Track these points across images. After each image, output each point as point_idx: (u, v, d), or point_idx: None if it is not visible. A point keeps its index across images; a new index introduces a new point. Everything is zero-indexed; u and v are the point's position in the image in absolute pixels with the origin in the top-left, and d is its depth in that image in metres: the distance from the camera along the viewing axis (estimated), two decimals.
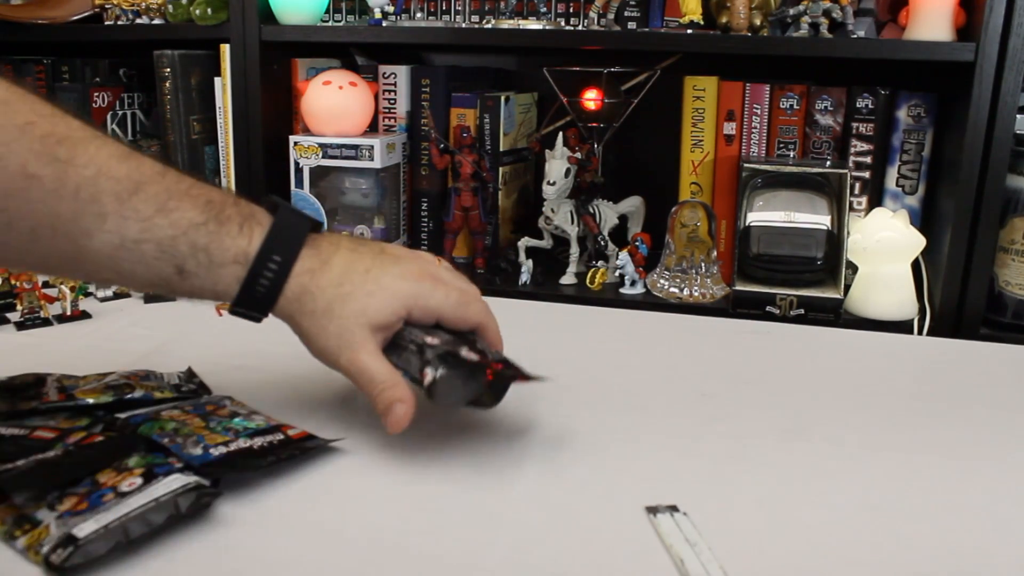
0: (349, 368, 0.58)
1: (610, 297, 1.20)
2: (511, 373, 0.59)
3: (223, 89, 1.31)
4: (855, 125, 1.19)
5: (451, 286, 0.61)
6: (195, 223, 0.55)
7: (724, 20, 1.15)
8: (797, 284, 1.13)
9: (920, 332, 1.08)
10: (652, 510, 0.53)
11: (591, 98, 1.22)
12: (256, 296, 0.57)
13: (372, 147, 1.24)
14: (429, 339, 0.59)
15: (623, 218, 1.29)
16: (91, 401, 0.62)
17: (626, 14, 1.24)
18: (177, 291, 0.57)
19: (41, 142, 0.51)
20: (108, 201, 0.52)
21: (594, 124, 1.24)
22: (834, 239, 1.13)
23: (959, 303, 1.08)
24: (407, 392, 0.58)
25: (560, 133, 1.22)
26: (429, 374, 0.57)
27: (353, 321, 0.58)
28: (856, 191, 1.21)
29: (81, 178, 0.52)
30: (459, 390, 0.58)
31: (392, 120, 1.35)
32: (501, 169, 1.31)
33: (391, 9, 1.28)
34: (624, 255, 1.20)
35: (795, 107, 1.21)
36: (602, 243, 1.24)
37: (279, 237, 0.57)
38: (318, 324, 0.58)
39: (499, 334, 0.64)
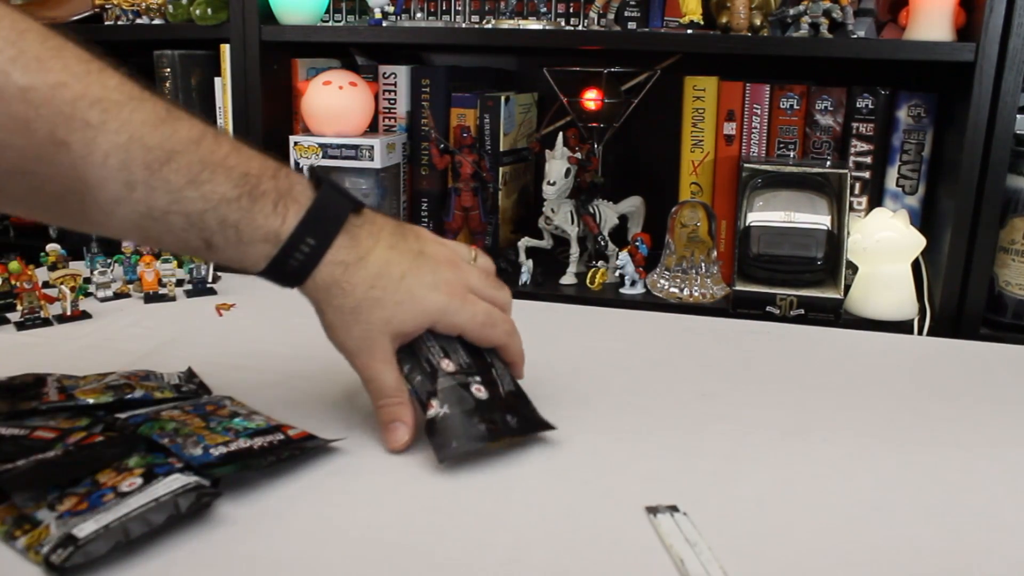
0: (362, 371, 0.59)
1: (610, 297, 1.20)
2: (515, 429, 0.60)
3: (223, 89, 1.31)
4: (855, 125, 1.19)
5: (479, 306, 0.61)
6: (227, 198, 0.53)
7: (724, 20, 1.15)
8: (797, 284, 1.13)
9: (920, 332, 1.08)
10: (652, 510, 0.53)
11: (591, 98, 1.22)
12: (284, 273, 0.56)
13: (372, 147, 1.24)
14: (444, 363, 0.60)
15: (623, 218, 1.29)
16: (91, 401, 0.62)
17: (626, 14, 1.24)
18: (206, 259, 0.58)
19: (72, 105, 0.49)
20: (138, 170, 0.51)
21: (594, 124, 1.24)
22: (834, 239, 1.13)
23: (959, 303, 1.08)
24: (410, 414, 0.60)
25: (560, 133, 1.22)
26: (435, 407, 0.58)
27: (377, 329, 0.58)
28: (856, 191, 1.21)
29: (111, 145, 0.50)
30: (460, 438, 0.58)
31: (392, 120, 1.35)
32: (501, 169, 1.31)
33: (391, 9, 1.28)
34: (624, 255, 1.20)
35: (795, 107, 1.21)
36: (602, 243, 1.24)
37: (316, 219, 0.56)
38: (343, 320, 0.58)
39: (521, 353, 0.65)
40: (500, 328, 0.63)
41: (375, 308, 0.58)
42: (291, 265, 0.56)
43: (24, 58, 0.47)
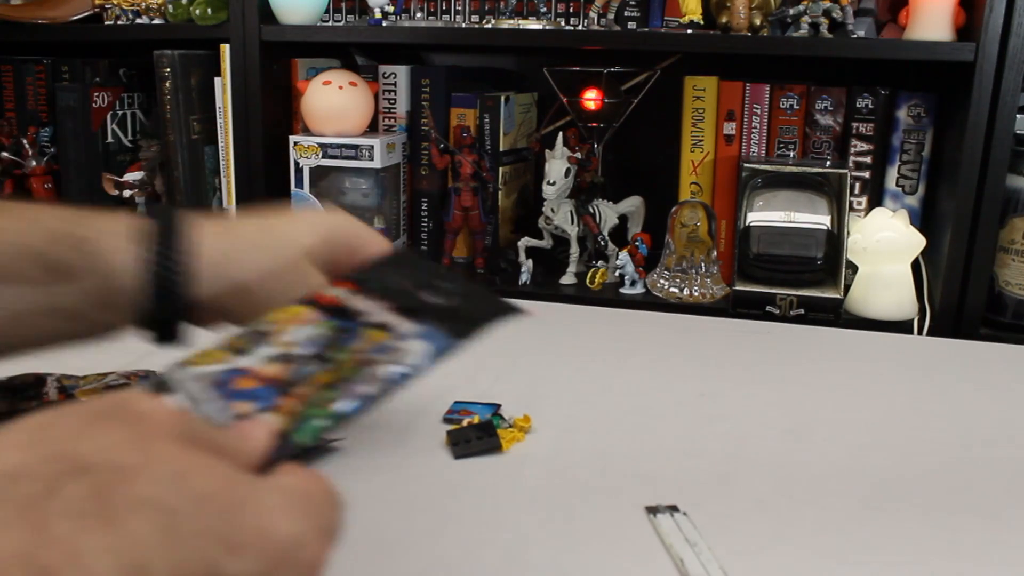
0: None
1: (610, 297, 1.20)
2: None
3: (223, 89, 1.31)
4: (855, 125, 1.19)
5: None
6: (65, 218, 0.46)
7: (724, 20, 1.15)
8: (797, 284, 1.13)
9: (920, 332, 1.08)
10: (652, 510, 0.53)
11: (591, 98, 1.22)
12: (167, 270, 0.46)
13: (372, 147, 1.24)
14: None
15: (623, 218, 1.29)
16: None
17: (626, 14, 1.24)
18: (65, 304, 0.46)
19: None
20: None
21: (594, 124, 1.24)
22: (834, 239, 1.13)
23: (959, 303, 1.08)
24: None
25: (560, 133, 1.22)
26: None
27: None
28: (856, 191, 1.21)
29: None
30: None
31: (392, 120, 1.35)
32: (501, 169, 1.31)
33: (391, 9, 1.28)
34: (624, 255, 1.20)
35: (795, 107, 1.21)
36: (602, 243, 1.24)
37: (157, 210, 0.48)
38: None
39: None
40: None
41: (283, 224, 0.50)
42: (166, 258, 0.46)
43: None
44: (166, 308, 0.47)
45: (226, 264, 0.48)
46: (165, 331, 0.49)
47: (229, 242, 0.48)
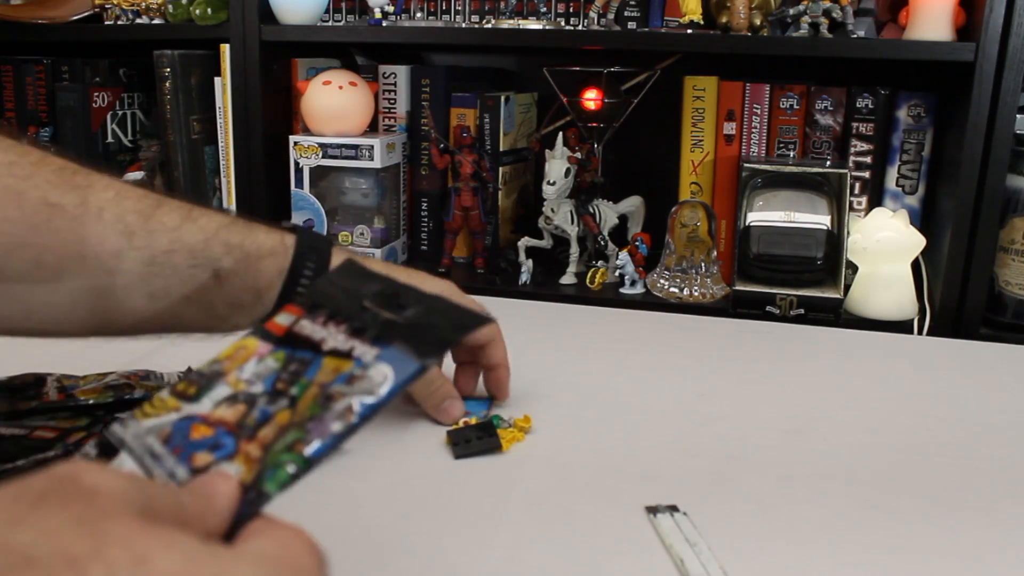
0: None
1: (610, 297, 1.20)
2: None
3: (223, 89, 1.31)
4: (855, 125, 1.19)
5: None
6: (224, 224, 0.54)
7: (724, 20, 1.15)
8: (797, 284, 1.13)
9: (920, 332, 1.08)
10: (652, 510, 0.53)
11: (591, 98, 1.22)
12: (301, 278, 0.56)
13: (372, 147, 1.24)
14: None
15: (623, 218, 1.29)
16: (91, 401, 0.62)
17: (626, 14, 1.24)
18: (216, 304, 0.54)
19: (57, 173, 0.50)
20: (133, 219, 0.52)
21: (594, 124, 1.24)
22: (834, 239, 1.13)
23: (959, 303, 1.08)
24: (452, 387, 0.64)
25: (560, 133, 1.22)
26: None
27: None
28: (856, 191, 1.21)
29: (103, 200, 0.51)
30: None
31: (392, 120, 1.35)
32: (501, 169, 1.31)
33: (391, 9, 1.28)
34: (624, 255, 1.20)
35: (795, 107, 1.21)
36: (602, 243, 1.24)
37: (310, 237, 0.57)
38: None
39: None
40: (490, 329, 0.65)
41: None
42: (305, 276, 0.56)
43: (3, 143, 0.50)
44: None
45: None
46: None
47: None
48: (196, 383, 0.37)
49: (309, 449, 0.33)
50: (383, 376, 0.34)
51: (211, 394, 0.36)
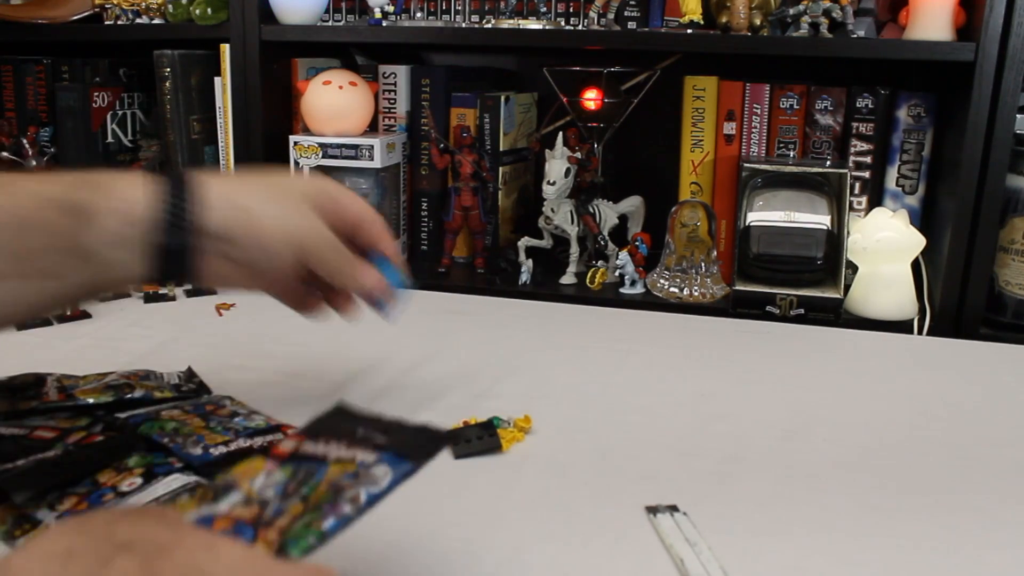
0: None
1: (610, 297, 1.19)
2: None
3: (223, 89, 1.31)
4: (855, 125, 1.19)
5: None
6: (77, 177, 0.52)
7: (724, 20, 1.15)
8: (797, 284, 1.13)
9: (920, 332, 1.08)
10: (652, 510, 0.53)
11: (591, 98, 1.22)
12: (176, 219, 0.51)
13: (372, 147, 1.24)
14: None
15: (623, 218, 1.29)
16: (91, 401, 0.62)
17: (626, 14, 1.24)
18: (78, 258, 0.50)
19: None
20: None
21: (594, 124, 1.24)
22: (834, 239, 1.13)
23: (959, 303, 1.08)
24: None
25: (560, 133, 1.22)
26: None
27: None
28: (856, 191, 1.21)
29: None
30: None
31: (392, 120, 1.35)
32: (501, 169, 1.31)
33: (391, 9, 1.28)
34: (624, 255, 1.20)
35: (795, 107, 1.21)
36: (602, 243, 1.24)
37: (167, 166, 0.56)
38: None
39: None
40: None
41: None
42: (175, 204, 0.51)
43: None
44: (177, 234, 0.51)
45: (232, 194, 0.54)
46: (175, 264, 0.52)
47: (235, 179, 0.55)
48: (212, 491, 0.41)
49: (326, 524, 0.38)
50: (384, 472, 0.41)
51: (227, 499, 0.40)
